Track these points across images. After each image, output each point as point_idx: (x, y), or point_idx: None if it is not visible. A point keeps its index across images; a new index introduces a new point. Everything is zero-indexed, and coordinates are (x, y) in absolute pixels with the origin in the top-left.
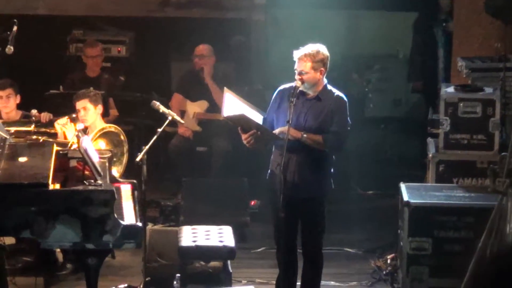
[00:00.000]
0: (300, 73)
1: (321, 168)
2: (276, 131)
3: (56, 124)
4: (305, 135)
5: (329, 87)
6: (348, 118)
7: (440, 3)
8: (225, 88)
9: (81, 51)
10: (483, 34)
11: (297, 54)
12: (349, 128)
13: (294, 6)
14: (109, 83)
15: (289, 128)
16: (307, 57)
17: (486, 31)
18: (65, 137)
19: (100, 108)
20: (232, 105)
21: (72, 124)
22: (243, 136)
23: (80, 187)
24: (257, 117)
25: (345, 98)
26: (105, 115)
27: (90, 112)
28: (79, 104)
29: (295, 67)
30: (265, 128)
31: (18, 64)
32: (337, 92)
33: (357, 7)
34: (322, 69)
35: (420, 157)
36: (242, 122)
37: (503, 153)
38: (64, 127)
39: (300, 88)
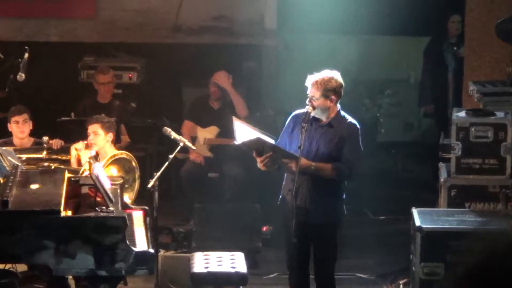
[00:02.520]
0: (311, 99)
1: (333, 193)
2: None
3: (72, 149)
4: (313, 167)
5: (343, 113)
6: (361, 145)
7: (448, 27)
8: (233, 117)
9: (92, 78)
10: (495, 58)
11: (310, 79)
12: (361, 155)
13: (305, 32)
14: (120, 110)
15: (301, 153)
16: (318, 84)
17: (497, 55)
18: (80, 162)
19: (110, 136)
20: (243, 131)
21: (87, 150)
22: (259, 159)
23: (92, 214)
24: (269, 140)
25: (357, 125)
26: (116, 141)
27: (100, 138)
28: (91, 128)
29: (307, 92)
30: (280, 149)
31: (30, 91)
32: (350, 119)
33: (368, 32)
34: (333, 97)
35: (432, 182)
36: (258, 145)
37: None
38: (80, 151)
39: (312, 114)
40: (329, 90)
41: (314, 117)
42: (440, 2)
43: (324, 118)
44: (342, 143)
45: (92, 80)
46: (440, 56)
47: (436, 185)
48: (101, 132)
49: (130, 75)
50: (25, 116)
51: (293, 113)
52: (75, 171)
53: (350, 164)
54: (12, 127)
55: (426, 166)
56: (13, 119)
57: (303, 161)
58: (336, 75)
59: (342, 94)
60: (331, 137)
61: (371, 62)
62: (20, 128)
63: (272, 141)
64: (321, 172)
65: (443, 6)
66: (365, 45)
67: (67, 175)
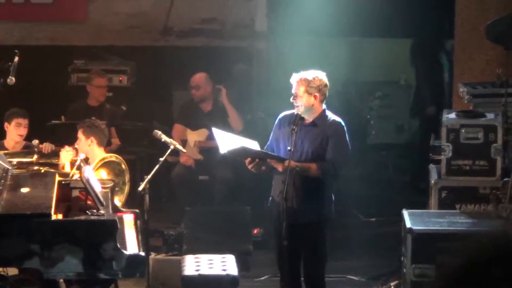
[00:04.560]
0: (294, 96)
1: (320, 193)
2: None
3: (62, 152)
4: (298, 168)
5: (327, 113)
6: (347, 141)
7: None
8: (212, 128)
9: (84, 81)
10: (485, 60)
11: (294, 77)
12: (347, 152)
13: (295, 34)
14: (111, 113)
15: (291, 155)
16: (302, 81)
17: (487, 57)
18: (63, 166)
19: (92, 140)
20: (225, 138)
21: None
22: (246, 163)
23: (83, 217)
24: (253, 145)
25: (342, 123)
26: (107, 144)
27: (81, 142)
28: (78, 133)
29: (292, 90)
30: (265, 153)
31: (20, 95)
32: (334, 117)
33: (359, 34)
34: (317, 94)
35: (422, 183)
36: (242, 153)
37: (505, 179)
38: (66, 155)
39: (300, 113)
40: (312, 87)
41: (299, 117)
42: (432, 3)
43: (308, 117)
44: (326, 141)
45: (84, 83)
46: (434, 57)
47: (426, 187)
48: (81, 136)
49: (120, 78)
50: (27, 121)
51: (280, 115)
52: (65, 175)
53: (334, 162)
54: (10, 127)
55: (417, 168)
56: (16, 120)
57: (288, 162)
58: (321, 75)
59: (327, 94)
60: (315, 136)
61: (361, 64)
62: (21, 131)
63: (255, 146)
64: (307, 172)
65: (434, 7)
66: (355, 47)
67: (57, 178)
